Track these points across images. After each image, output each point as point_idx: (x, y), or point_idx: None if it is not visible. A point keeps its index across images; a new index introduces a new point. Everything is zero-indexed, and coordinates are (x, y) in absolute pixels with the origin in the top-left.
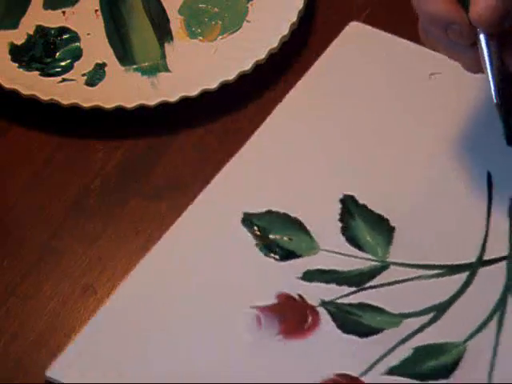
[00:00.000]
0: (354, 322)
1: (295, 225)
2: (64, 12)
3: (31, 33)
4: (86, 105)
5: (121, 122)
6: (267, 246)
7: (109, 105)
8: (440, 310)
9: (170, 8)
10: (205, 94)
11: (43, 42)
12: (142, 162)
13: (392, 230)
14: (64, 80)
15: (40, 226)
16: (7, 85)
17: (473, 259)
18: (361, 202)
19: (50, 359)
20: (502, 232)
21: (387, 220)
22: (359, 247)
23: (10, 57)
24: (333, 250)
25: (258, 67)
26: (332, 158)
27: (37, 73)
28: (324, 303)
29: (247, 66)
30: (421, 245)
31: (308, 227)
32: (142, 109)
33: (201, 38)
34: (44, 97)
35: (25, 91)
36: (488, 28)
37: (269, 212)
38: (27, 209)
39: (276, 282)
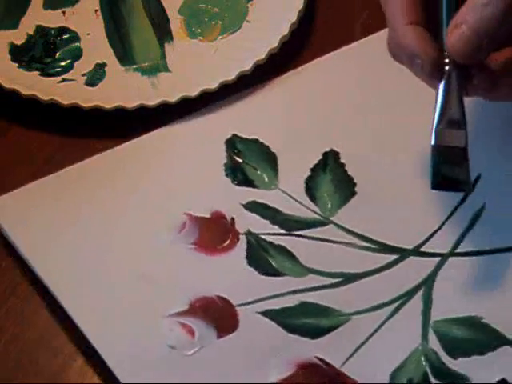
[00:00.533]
0: (262, 258)
1: (269, 158)
2: (64, 12)
3: (31, 33)
4: (85, 105)
5: (121, 122)
6: (232, 168)
7: (109, 105)
8: (348, 278)
9: (170, 8)
10: (205, 94)
11: (43, 42)
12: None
13: (353, 194)
14: (64, 80)
15: None
16: (7, 85)
17: (410, 246)
18: (342, 160)
19: (50, 359)
20: (454, 231)
21: (354, 184)
22: (313, 199)
23: (10, 57)
24: (288, 192)
25: (258, 67)
26: (332, 115)
27: (37, 73)
28: (249, 233)
29: (247, 66)
30: (370, 217)
31: (279, 165)
32: (142, 109)
33: (201, 38)
34: (44, 97)
35: (25, 91)
36: (462, 60)
37: (255, 140)
38: None
39: (219, 201)
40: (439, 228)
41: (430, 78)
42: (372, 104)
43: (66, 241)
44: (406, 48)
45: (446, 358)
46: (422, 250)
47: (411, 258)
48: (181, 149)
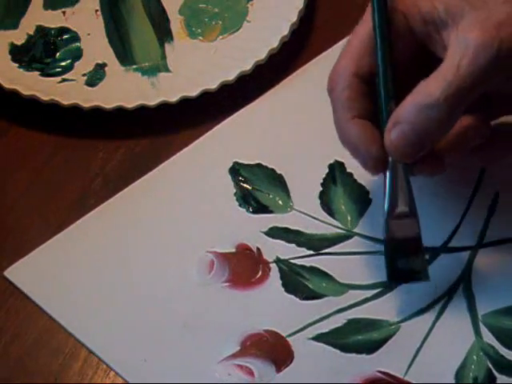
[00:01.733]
0: (299, 283)
1: (277, 181)
2: (64, 12)
3: (31, 33)
4: (86, 105)
5: (121, 122)
6: (244, 197)
7: (109, 105)
8: (387, 287)
9: (170, 8)
10: (205, 94)
11: (43, 42)
12: (142, 162)
13: (369, 202)
14: (64, 80)
15: (40, 226)
16: (7, 85)
17: (438, 244)
18: (348, 170)
19: (50, 359)
20: (475, 223)
21: (367, 192)
22: (331, 213)
23: (10, 57)
24: (304, 211)
25: (258, 67)
26: (331, 125)
27: (37, 73)
28: (278, 260)
29: (247, 66)
30: None
31: (289, 186)
32: (142, 109)
33: (201, 38)
34: (44, 97)
35: (25, 91)
36: (402, 158)
37: (258, 165)
38: (27, 209)
39: (240, 232)
40: (460, 222)
41: (374, 172)
42: None
43: (93, 298)
44: (348, 144)
45: (503, 350)
46: (450, 245)
47: (442, 255)
48: (186, 186)
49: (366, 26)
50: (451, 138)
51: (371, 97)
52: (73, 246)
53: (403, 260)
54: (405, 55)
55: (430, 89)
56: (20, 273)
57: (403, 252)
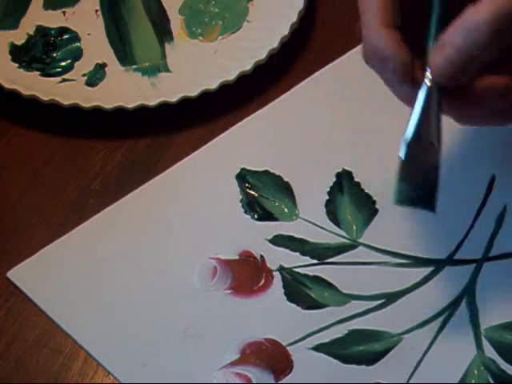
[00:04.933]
0: (301, 292)
1: (284, 189)
2: (64, 12)
3: (31, 33)
4: (86, 105)
5: (121, 122)
6: (249, 204)
7: (109, 105)
8: (390, 298)
9: (171, 8)
10: (205, 94)
11: (43, 42)
12: (142, 162)
13: (375, 212)
14: (64, 80)
15: (40, 226)
16: (7, 85)
17: (443, 256)
18: (356, 179)
19: (50, 359)
20: (482, 235)
21: (374, 202)
22: (336, 223)
23: (10, 57)
24: (310, 220)
25: (258, 67)
26: (340, 134)
27: (37, 73)
28: (282, 269)
29: (247, 66)
30: (397, 232)
31: (295, 193)
32: (142, 109)
33: (201, 38)
34: (44, 97)
35: (25, 91)
36: (444, 81)
37: (265, 172)
38: (27, 209)
39: (244, 239)
40: (466, 234)
41: (402, 84)
42: (375, 116)
43: (95, 302)
44: (378, 51)
45: (504, 365)
46: (456, 258)
47: (447, 267)
48: (192, 192)
49: None
50: (490, 82)
51: (401, 7)
52: (76, 249)
53: (414, 183)
54: None
55: (478, 11)
56: (22, 275)
57: (416, 176)
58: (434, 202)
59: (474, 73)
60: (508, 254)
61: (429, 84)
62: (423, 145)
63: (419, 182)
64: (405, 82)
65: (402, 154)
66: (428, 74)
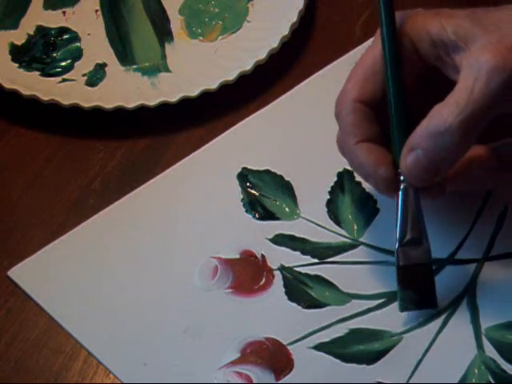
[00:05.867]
0: (302, 291)
1: (285, 188)
2: (64, 12)
3: (31, 33)
4: (86, 105)
5: (121, 122)
6: (251, 203)
7: (109, 105)
8: (391, 297)
9: (171, 8)
10: (205, 94)
11: (43, 42)
12: (142, 161)
13: (376, 212)
14: (64, 80)
15: (40, 226)
16: (7, 85)
17: (444, 255)
18: (357, 178)
19: (50, 359)
20: (483, 236)
21: (375, 201)
22: (337, 222)
23: (10, 57)
24: (311, 219)
25: (258, 67)
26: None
27: (37, 73)
28: (282, 268)
29: (247, 66)
30: None
31: (296, 193)
32: (142, 109)
33: (201, 38)
34: (44, 97)
35: (25, 91)
36: (417, 183)
37: (266, 171)
38: (27, 209)
39: (245, 239)
40: (468, 234)
41: (386, 193)
42: None
43: (96, 301)
44: (357, 168)
45: (505, 366)
46: (457, 257)
47: (448, 267)
48: (193, 191)
49: (370, 52)
50: (455, 168)
51: (376, 120)
52: (76, 248)
53: (414, 287)
54: (414, 79)
55: (444, 114)
56: (23, 273)
57: (415, 278)
58: (435, 301)
59: (446, 172)
60: (509, 253)
61: (403, 184)
62: (411, 246)
63: (418, 285)
64: (389, 192)
65: (396, 261)
66: (402, 177)
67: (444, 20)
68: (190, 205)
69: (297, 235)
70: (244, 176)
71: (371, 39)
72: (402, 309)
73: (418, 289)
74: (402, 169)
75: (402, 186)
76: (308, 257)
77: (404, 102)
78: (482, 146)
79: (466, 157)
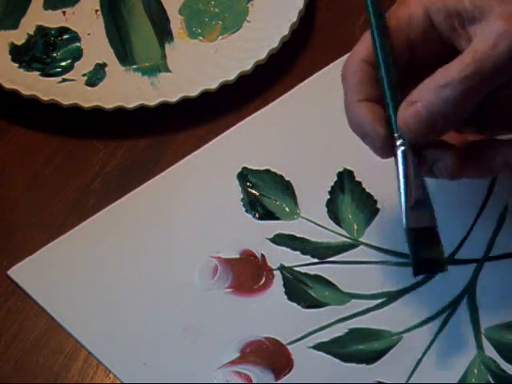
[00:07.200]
0: (302, 291)
1: (285, 188)
2: (64, 12)
3: (31, 33)
4: (86, 105)
5: (121, 122)
6: (251, 203)
7: (109, 105)
8: (390, 297)
9: (171, 8)
10: (205, 94)
11: (43, 42)
12: (142, 161)
13: (376, 211)
14: (64, 80)
15: (40, 226)
16: (7, 85)
17: (445, 255)
18: (357, 178)
19: (50, 359)
20: (484, 235)
21: (375, 201)
22: (337, 222)
23: (10, 57)
24: (311, 219)
25: (258, 67)
26: (340, 133)
27: (37, 73)
28: (282, 268)
29: (247, 66)
30: (398, 232)
31: (297, 193)
32: (142, 109)
33: (201, 38)
34: (44, 97)
35: (25, 91)
36: (413, 137)
37: (266, 171)
38: (27, 209)
39: (245, 238)
40: (468, 234)
41: (382, 155)
42: None
43: (96, 301)
44: (357, 125)
45: (505, 366)
46: (457, 257)
47: (447, 267)
48: (193, 190)
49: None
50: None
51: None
52: (77, 248)
53: (425, 250)
54: (428, 53)
55: (447, 71)
56: (23, 273)
57: (424, 241)
58: (445, 264)
59: (445, 130)
60: (509, 253)
61: (402, 148)
62: (416, 209)
63: (428, 246)
64: (385, 153)
65: (404, 224)
66: (399, 141)
67: None
68: (190, 204)
69: (297, 235)
70: (244, 176)
71: None
72: (415, 273)
73: (428, 252)
74: (398, 122)
75: (399, 150)
76: (308, 256)
77: (394, 66)
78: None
79: (490, 148)
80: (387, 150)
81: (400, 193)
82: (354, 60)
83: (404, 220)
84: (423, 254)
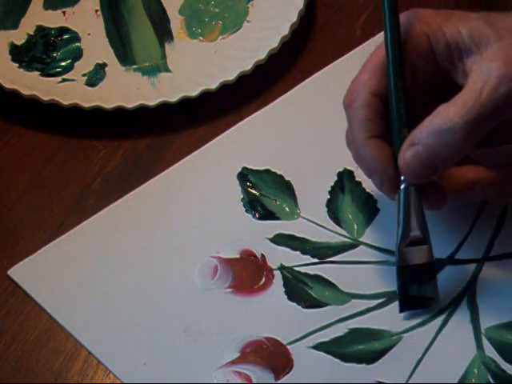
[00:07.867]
0: (302, 291)
1: (285, 188)
2: (64, 12)
3: (31, 33)
4: (86, 105)
5: (121, 122)
6: (251, 203)
7: (109, 105)
8: (390, 297)
9: (171, 8)
10: (205, 94)
11: (43, 42)
12: (142, 161)
13: (376, 212)
14: (64, 80)
15: (40, 226)
16: (7, 85)
17: (444, 255)
18: (357, 178)
19: (50, 359)
20: (483, 236)
21: (376, 201)
22: (337, 222)
23: (10, 57)
24: (311, 219)
25: (258, 67)
26: (340, 133)
27: (37, 73)
28: (282, 267)
29: (247, 66)
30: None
31: (297, 193)
32: (142, 109)
33: (201, 38)
34: (44, 97)
35: (25, 91)
36: (413, 179)
37: (267, 171)
38: (27, 209)
39: (245, 238)
40: (467, 234)
41: (389, 193)
42: None
43: (96, 301)
44: (364, 163)
45: (505, 365)
46: (456, 257)
47: (447, 267)
48: (193, 190)
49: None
50: (458, 185)
51: (387, 117)
52: (77, 248)
53: (415, 287)
54: (424, 78)
55: (449, 113)
56: (23, 273)
57: (416, 279)
58: (437, 298)
59: (444, 171)
60: (509, 253)
61: (405, 184)
62: (413, 245)
63: (419, 284)
64: (392, 192)
65: (396, 261)
66: (402, 177)
67: (459, 23)
68: (190, 204)
69: (297, 235)
70: (244, 176)
71: (372, 39)
72: (401, 309)
73: (418, 289)
74: (399, 163)
75: (402, 186)
76: (308, 256)
77: (405, 103)
78: (484, 167)
79: (470, 178)
80: (393, 189)
81: (397, 228)
82: (362, 92)
83: (396, 257)
84: (412, 291)
